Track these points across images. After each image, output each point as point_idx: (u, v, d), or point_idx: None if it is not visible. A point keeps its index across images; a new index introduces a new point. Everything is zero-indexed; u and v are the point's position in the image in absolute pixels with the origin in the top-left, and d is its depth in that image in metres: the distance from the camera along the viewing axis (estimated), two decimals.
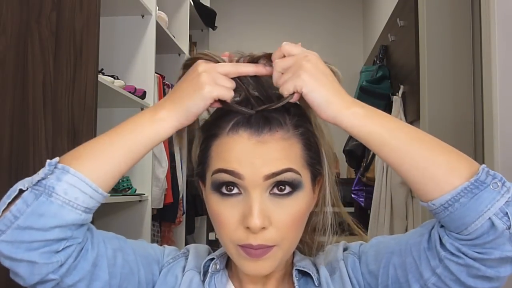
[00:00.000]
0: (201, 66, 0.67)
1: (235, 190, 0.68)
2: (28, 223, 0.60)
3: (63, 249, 0.62)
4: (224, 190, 0.68)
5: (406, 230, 2.54)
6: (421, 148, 0.64)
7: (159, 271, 0.76)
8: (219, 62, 0.69)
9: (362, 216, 3.27)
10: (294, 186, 0.68)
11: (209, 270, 0.75)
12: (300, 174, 0.69)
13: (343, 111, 0.65)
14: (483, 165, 0.62)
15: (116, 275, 0.68)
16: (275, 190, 0.68)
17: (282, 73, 0.67)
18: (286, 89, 0.66)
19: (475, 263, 0.61)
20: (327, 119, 0.66)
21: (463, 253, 0.61)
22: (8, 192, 0.62)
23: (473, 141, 2.18)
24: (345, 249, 0.78)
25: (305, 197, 0.70)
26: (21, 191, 0.62)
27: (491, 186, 0.60)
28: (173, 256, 0.78)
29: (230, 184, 0.68)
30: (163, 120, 0.66)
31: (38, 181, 0.62)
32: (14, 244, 0.60)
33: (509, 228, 0.59)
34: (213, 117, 0.72)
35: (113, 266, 0.67)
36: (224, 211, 0.68)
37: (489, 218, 0.59)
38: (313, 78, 0.65)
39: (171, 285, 0.74)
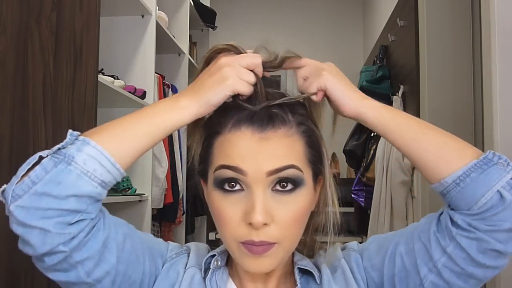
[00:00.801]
0: (223, 59, 0.70)
1: (238, 187, 0.68)
2: (46, 189, 0.61)
3: (76, 222, 0.62)
4: (226, 186, 0.69)
5: None
6: (434, 132, 0.71)
7: (162, 265, 0.76)
8: (241, 53, 0.72)
9: (362, 216, 3.27)
10: (296, 183, 0.69)
11: (211, 267, 0.75)
12: (302, 171, 0.69)
13: (364, 101, 0.73)
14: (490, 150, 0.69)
15: (123, 260, 0.68)
16: (278, 187, 0.68)
17: (304, 80, 0.74)
18: (311, 90, 0.73)
19: (486, 236, 0.65)
20: (350, 112, 0.72)
21: (474, 227, 0.65)
22: (28, 159, 0.63)
23: (473, 141, 2.18)
24: (342, 249, 0.79)
25: (307, 194, 0.70)
26: (40, 158, 0.63)
27: (498, 165, 0.66)
28: (176, 252, 0.79)
29: (232, 181, 0.68)
30: (184, 107, 0.68)
31: (58, 149, 0.63)
32: (30, 210, 0.61)
33: None
34: (215, 114, 0.73)
35: (121, 251, 0.68)
36: (227, 208, 0.68)
37: (498, 190, 0.64)
38: (334, 76, 0.73)
39: (172, 280, 0.74)
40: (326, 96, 0.74)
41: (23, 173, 0.62)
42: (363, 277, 0.75)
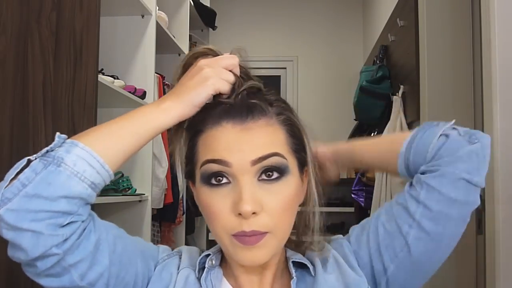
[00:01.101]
0: (203, 61, 0.72)
1: (224, 180, 0.69)
2: (36, 190, 0.61)
3: (68, 224, 0.63)
4: (213, 181, 0.69)
5: None
6: (371, 148, 0.87)
7: (154, 267, 0.76)
8: (218, 55, 0.74)
9: (362, 216, 3.26)
10: (281, 171, 0.70)
11: (206, 266, 0.75)
12: (286, 159, 0.70)
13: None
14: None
15: (115, 262, 0.68)
16: (263, 176, 0.69)
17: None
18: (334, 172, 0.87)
19: (449, 168, 0.72)
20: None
21: (437, 165, 0.73)
22: (16, 164, 0.63)
23: None
24: (329, 242, 0.81)
25: (293, 182, 0.71)
26: (29, 162, 0.63)
27: (435, 126, 0.77)
28: (167, 254, 0.79)
29: (218, 175, 0.69)
30: (168, 109, 0.70)
31: (47, 151, 0.64)
32: (20, 213, 0.60)
33: (460, 134, 0.75)
34: (196, 114, 0.73)
35: (113, 252, 0.68)
36: (215, 202, 0.69)
37: (441, 134, 0.75)
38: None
39: (166, 281, 0.74)
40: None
41: (11, 177, 0.62)
42: (354, 260, 0.77)
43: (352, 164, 0.89)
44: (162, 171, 2.51)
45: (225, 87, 0.71)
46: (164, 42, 2.73)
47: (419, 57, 2.46)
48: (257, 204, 0.67)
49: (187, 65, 0.75)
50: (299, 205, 0.76)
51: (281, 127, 0.72)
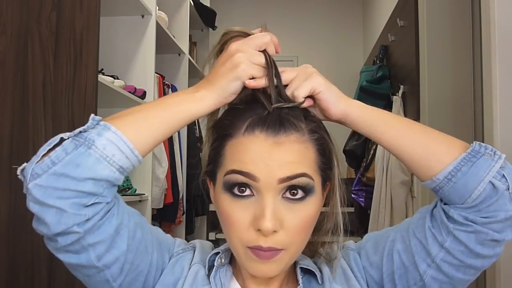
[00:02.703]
0: (233, 45, 0.70)
1: (247, 192, 0.68)
2: (65, 170, 0.62)
3: (92, 204, 0.63)
4: (236, 191, 0.68)
5: None
6: (421, 129, 0.73)
7: (169, 259, 0.76)
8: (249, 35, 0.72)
9: (362, 216, 3.27)
10: (307, 191, 0.68)
11: (215, 264, 0.75)
12: (313, 179, 0.69)
13: (351, 102, 0.73)
14: (475, 141, 0.70)
15: (133, 249, 0.68)
16: (288, 194, 0.68)
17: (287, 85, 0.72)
18: (302, 92, 0.70)
19: (483, 228, 0.66)
20: (336, 114, 0.72)
21: (471, 221, 0.66)
22: (50, 140, 0.64)
23: (473, 141, 2.17)
24: (340, 249, 0.79)
25: (316, 202, 0.70)
26: (61, 140, 0.64)
27: (485, 155, 0.67)
28: (183, 247, 0.79)
29: (243, 186, 0.68)
30: (202, 99, 0.69)
31: (80, 132, 0.64)
32: (47, 190, 0.62)
33: (509, 189, 0.66)
34: (227, 116, 0.72)
35: (132, 239, 0.68)
36: (236, 212, 0.68)
37: (490, 181, 0.65)
38: (324, 80, 0.71)
39: (178, 275, 0.75)
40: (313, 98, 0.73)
41: (43, 153, 0.63)
42: (362, 276, 0.76)
43: (365, 134, 0.74)
44: (162, 171, 2.51)
45: (257, 72, 0.69)
46: (164, 42, 2.73)
47: (419, 57, 2.46)
48: (277, 222, 0.66)
49: (220, 50, 0.74)
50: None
51: (312, 145, 0.70)
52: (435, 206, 0.72)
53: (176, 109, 0.69)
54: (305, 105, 0.71)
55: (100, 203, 0.64)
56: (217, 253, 0.77)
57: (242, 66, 0.68)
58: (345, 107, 0.72)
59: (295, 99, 0.70)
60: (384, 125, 0.72)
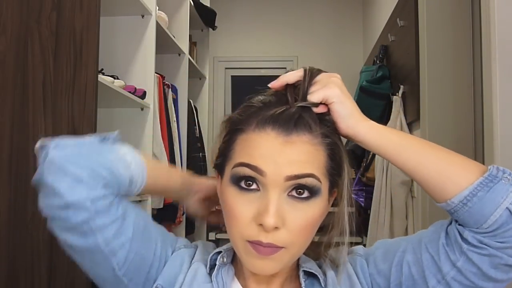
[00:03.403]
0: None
1: (254, 186, 0.68)
2: (87, 152, 0.67)
3: (105, 185, 0.66)
4: (243, 184, 0.68)
5: (406, 230, 2.54)
6: (436, 151, 0.71)
7: (171, 253, 0.77)
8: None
9: (362, 216, 3.27)
10: (313, 192, 0.68)
11: (217, 263, 0.75)
12: (320, 182, 0.69)
13: (362, 122, 0.72)
14: (492, 165, 0.68)
15: (137, 237, 0.70)
16: (294, 193, 0.68)
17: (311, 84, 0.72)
18: (314, 98, 0.70)
19: (498, 252, 0.65)
20: (347, 129, 0.72)
21: (486, 244, 0.65)
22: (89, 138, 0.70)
23: (473, 141, 2.17)
24: (348, 253, 0.79)
25: (321, 204, 0.70)
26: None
27: (503, 180, 0.65)
28: (185, 244, 0.80)
29: (249, 179, 0.68)
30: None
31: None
32: (70, 157, 0.65)
33: None
34: (241, 112, 0.73)
35: (137, 227, 0.70)
36: (239, 205, 0.68)
37: (507, 207, 0.64)
38: (342, 92, 0.72)
39: (177, 269, 0.75)
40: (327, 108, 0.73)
41: (68, 140, 0.68)
42: (368, 283, 0.75)
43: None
44: None
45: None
46: (164, 42, 2.73)
47: (419, 57, 2.46)
48: (280, 219, 0.66)
49: None
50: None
51: (323, 148, 0.70)
52: (450, 223, 0.71)
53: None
54: (318, 109, 0.70)
55: (112, 187, 0.67)
56: (219, 252, 0.77)
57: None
58: (354, 125, 0.71)
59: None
60: (397, 149, 0.71)
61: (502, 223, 0.64)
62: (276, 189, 0.67)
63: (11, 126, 1.68)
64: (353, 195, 2.81)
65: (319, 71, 0.74)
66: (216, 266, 0.75)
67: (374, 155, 2.94)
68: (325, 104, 0.71)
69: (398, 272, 0.72)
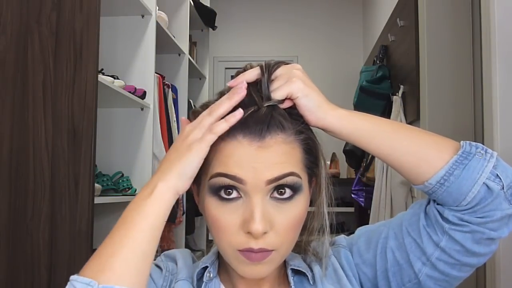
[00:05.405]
0: (187, 127, 0.67)
1: (234, 194, 0.66)
2: None
3: None
4: (223, 194, 0.66)
5: None
6: (408, 134, 0.70)
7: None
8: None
9: (362, 216, 3.27)
10: (295, 189, 0.67)
11: (204, 280, 0.74)
12: (300, 177, 0.68)
13: (331, 112, 0.70)
14: (463, 141, 0.68)
15: None
16: (275, 194, 0.66)
17: (272, 80, 0.70)
18: (278, 95, 0.68)
19: (479, 227, 0.66)
20: (317, 122, 0.70)
21: (467, 221, 0.66)
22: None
23: (473, 141, 2.17)
24: (331, 245, 0.79)
25: (303, 199, 0.69)
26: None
27: (476, 155, 0.66)
28: (162, 277, 0.75)
29: (229, 188, 0.66)
30: (161, 196, 0.65)
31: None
32: None
33: (503, 188, 0.65)
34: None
35: None
36: (224, 216, 0.66)
37: (484, 183, 0.65)
38: (306, 85, 0.69)
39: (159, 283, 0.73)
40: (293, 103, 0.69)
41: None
42: (354, 274, 0.75)
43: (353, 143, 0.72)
44: None
45: (212, 138, 0.64)
46: (164, 42, 2.73)
47: (419, 57, 2.47)
48: (267, 224, 0.65)
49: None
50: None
51: (298, 144, 0.68)
52: (428, 203, 0.71)
53: (142, 223, 0.64)
54: (284, 105, 0.68)
55: None
56: (205, 267, 0.75)
57: (196, 145, 0.64)
58: (324, 117, 0.69)
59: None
60: (369, 135, 0.69)
61: (481, 199, 0.65)
62: (259, 194, 0.65)
63: (11, 126, 1.68)
64: (353, 195, 2.80)
65: (278, 64, 0.72)
66: (204, 283, 0.74)
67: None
68: (290, 99, 0.69)
69: (383, 259, 0.73)
